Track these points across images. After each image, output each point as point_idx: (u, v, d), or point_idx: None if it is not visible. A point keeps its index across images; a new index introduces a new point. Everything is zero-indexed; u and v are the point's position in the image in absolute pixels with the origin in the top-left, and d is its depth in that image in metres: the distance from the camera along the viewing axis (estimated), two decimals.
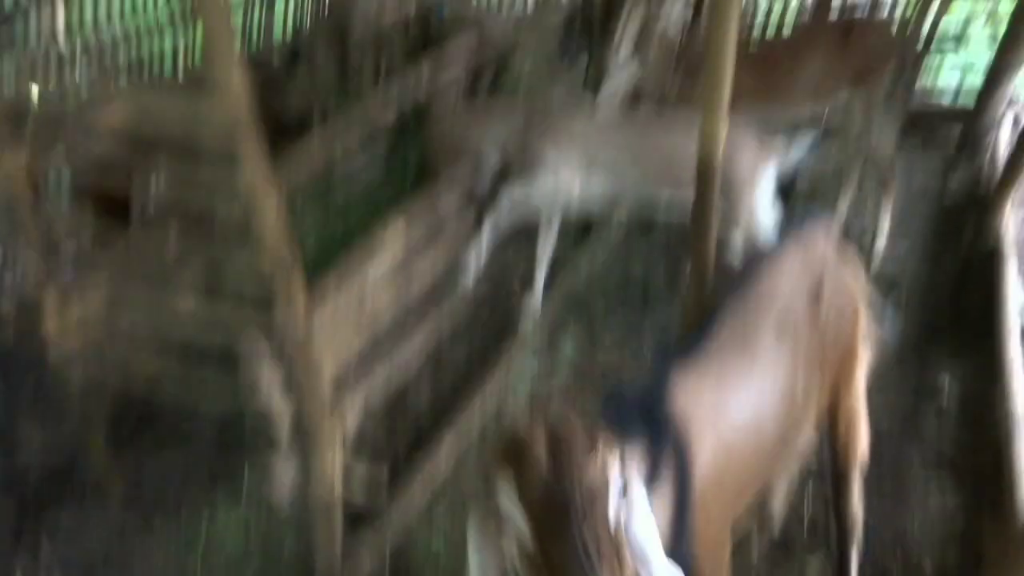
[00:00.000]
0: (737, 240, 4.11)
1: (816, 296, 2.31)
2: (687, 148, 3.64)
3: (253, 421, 2.80)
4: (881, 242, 4.74)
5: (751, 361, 2.16)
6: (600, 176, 3.83)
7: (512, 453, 1.44)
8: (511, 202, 3.80)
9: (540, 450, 1.41)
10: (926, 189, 5.45)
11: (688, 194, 3.64)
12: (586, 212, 4.38)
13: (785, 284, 2.32)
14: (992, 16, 6.42)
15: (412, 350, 3.45)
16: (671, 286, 4.68)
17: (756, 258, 2.41)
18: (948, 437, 3.56)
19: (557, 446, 1.42)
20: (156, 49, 6.50)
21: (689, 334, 2.43)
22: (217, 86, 2.04)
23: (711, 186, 2.58)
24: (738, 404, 2.09)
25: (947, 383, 3.72)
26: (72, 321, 2.96)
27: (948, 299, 4.43)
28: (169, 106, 2.27)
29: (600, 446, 1.44)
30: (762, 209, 3.80)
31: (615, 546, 1.37)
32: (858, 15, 4.69)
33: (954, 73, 6.72)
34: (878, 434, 3.45)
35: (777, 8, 5.91)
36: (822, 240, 2.50)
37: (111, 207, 3.97)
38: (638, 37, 4.28)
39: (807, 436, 2.39)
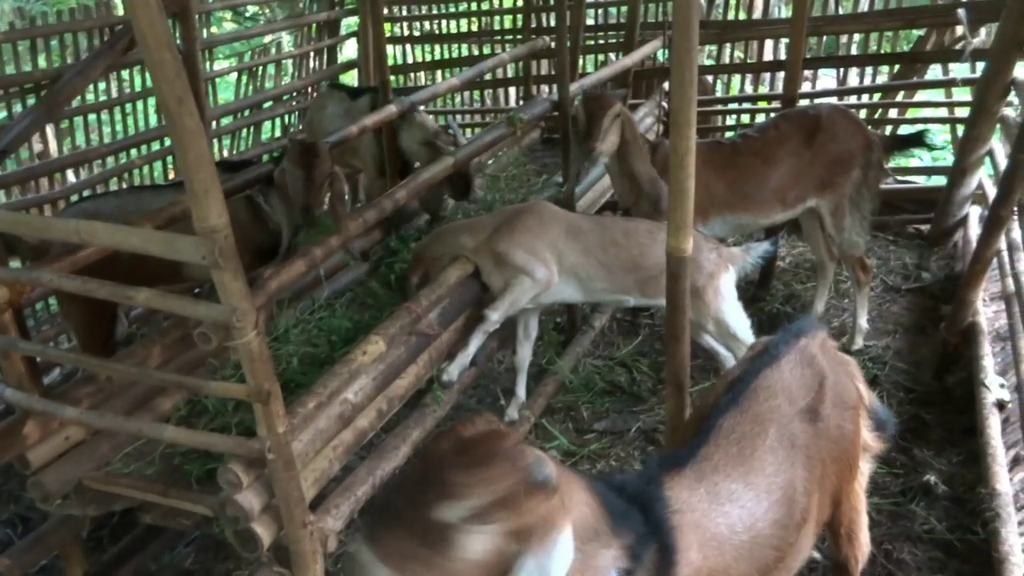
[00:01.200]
0: (714, 344, 4.20)
1: (815, 406, 2.35)
2: (652, 251, 3.81)
3: (233, 545, 2.77)
4: (860, 338, 4.80)
5: (748, 469, 2.17)
6: (569, 278, 3.95)
7: None
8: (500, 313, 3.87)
9: None
10: (902, 280, 5.57)
11: (653, 296, 3.78)
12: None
13: (783, 393, 2.35)
14: (951, 121, 6.70)
15: (394, 465, 3.44)
16: (656, 383, 4.71)
17: (753, 366, 2.44)
18: (939, 521, 3.55)
19: None
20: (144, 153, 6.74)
21: (682, 441, 2.45)
22: (196, 198, 2.10)
23: (681, 287, 2.64)
24: (733, 511, 2.10)
25: (935, 483, 3.72)
26: (53, 450, 2.96)
27: (930, 384, 4.47)
28: (147, 234, 2.33)
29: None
30: (728, 313, 3.91)
31: None
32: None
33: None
34: (872, 528, 3.49)
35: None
36: (819, 348, 2.53)
37: (95, 328, 4.05)
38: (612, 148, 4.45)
39: (809, 540, 2.39)
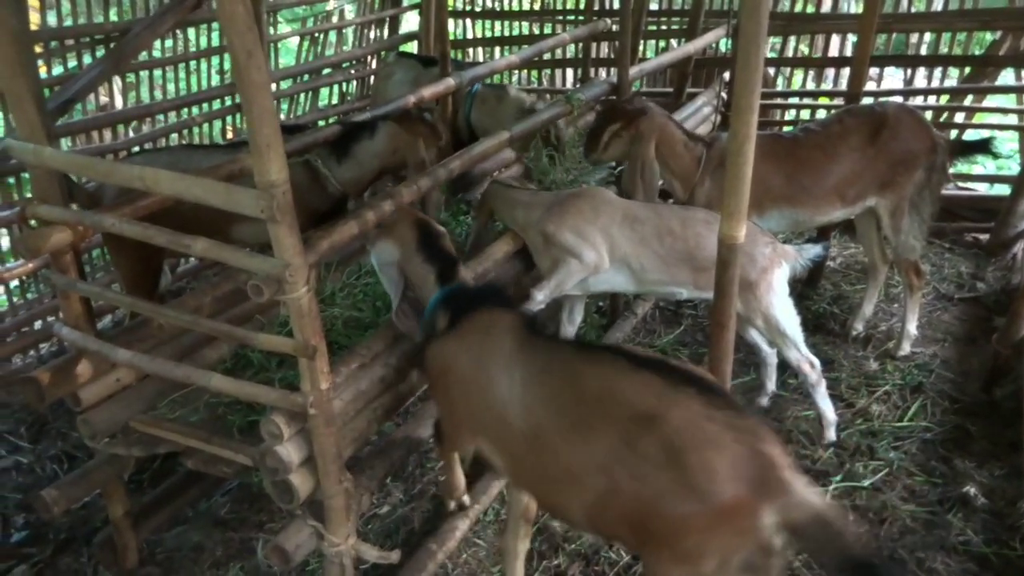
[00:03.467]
0: (758, 340, 4.16)
1: None
2: (709, 242, 3.77)
3: (269, 497, 2.84)
4: (907, 345, 4.72)
5: None
6: (621, 268, 3.91)
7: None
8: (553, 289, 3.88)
9: None
10: (955, 289, 5.46)
11: (706, 289, 3.74)
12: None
13: None
14: (1021, 129, 6.50)
15: (430, 433, 3.49)
16: None
17: None
18: (975, 533, 3.49)
19: None
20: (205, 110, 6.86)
21: None
22: (258, 152, 2.15)
23: (731, 275, 2.62)
24: None
25: (975, 494, 3.65)
26: (103, 391, 3.05)
27: (977, 395, 4.38)
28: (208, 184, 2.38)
29: None
30: (779, 309, 3.84)
31: None
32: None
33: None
34: (904, 535, 3.45)
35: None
36: None
37: (142, 279, 4.16)
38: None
39: None
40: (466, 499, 3.54)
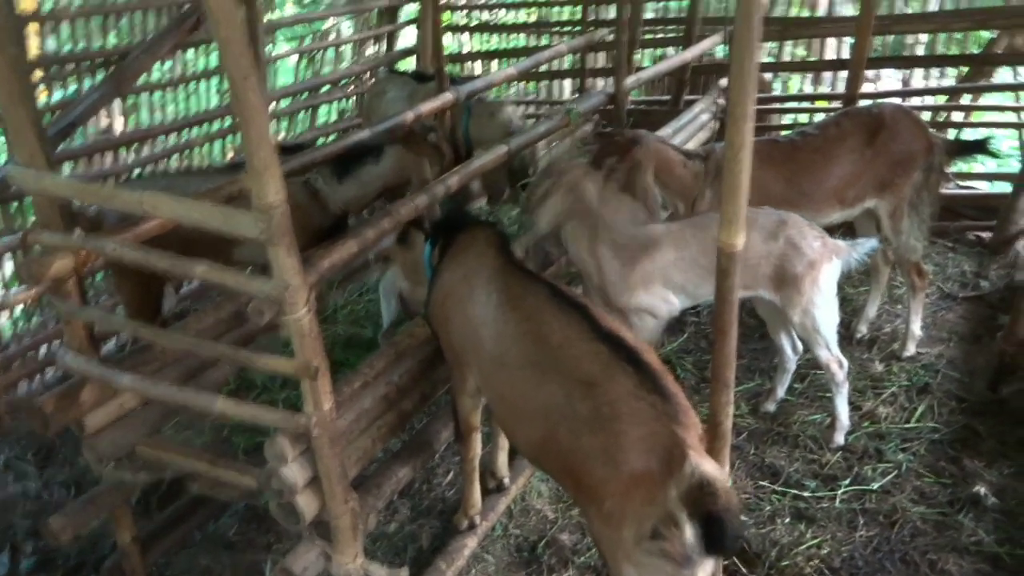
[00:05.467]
0: (783, 341, 4.12)
1: None
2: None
3: (276, 519, 2.83)
4: (912, 345, 4.70)
5: None
6: (677, 294, 3.86)
7: None
8: None
9: None
10: (959, 288, 5.44)
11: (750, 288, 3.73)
12: None
13: None
14: (1019, 127, 6.49)
15: (435, 449, 3.48)
16: (699, 381, 4.67)
17: None
18: (987, 533, 3.47)
19: None
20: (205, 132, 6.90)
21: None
22: (256, 174, 2.16)
23: (731, 282, 2.61)
24: None
25: (985, 494, 3.63)
26: (108, 416, 3.05)
27: (984, 394, 4.35)
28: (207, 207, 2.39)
29: None
30: (820, 306, 3.80)
31: None
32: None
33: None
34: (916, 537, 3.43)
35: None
36: None
37: (145, 302, 4.18)
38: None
39: None
40: (477, 518, 3.55)
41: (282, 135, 7.89)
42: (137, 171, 6.25)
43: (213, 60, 7.09)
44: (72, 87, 6.25)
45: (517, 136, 4.65)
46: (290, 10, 11.12)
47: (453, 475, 4.11)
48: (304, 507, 2.73)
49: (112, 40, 6.40)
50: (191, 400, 2.81)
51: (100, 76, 5.97)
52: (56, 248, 2.84)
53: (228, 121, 6.98)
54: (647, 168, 4.36)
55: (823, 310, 3.82)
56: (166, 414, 3.20)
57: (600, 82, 8.12)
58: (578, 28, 8.32)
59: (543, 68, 7.74)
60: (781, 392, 4.38)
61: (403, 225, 3.42)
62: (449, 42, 9.00)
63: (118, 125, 6.63)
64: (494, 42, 9.22)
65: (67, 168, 5.97)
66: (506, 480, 3.70)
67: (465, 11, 9.30)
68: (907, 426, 4.16)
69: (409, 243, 3.49)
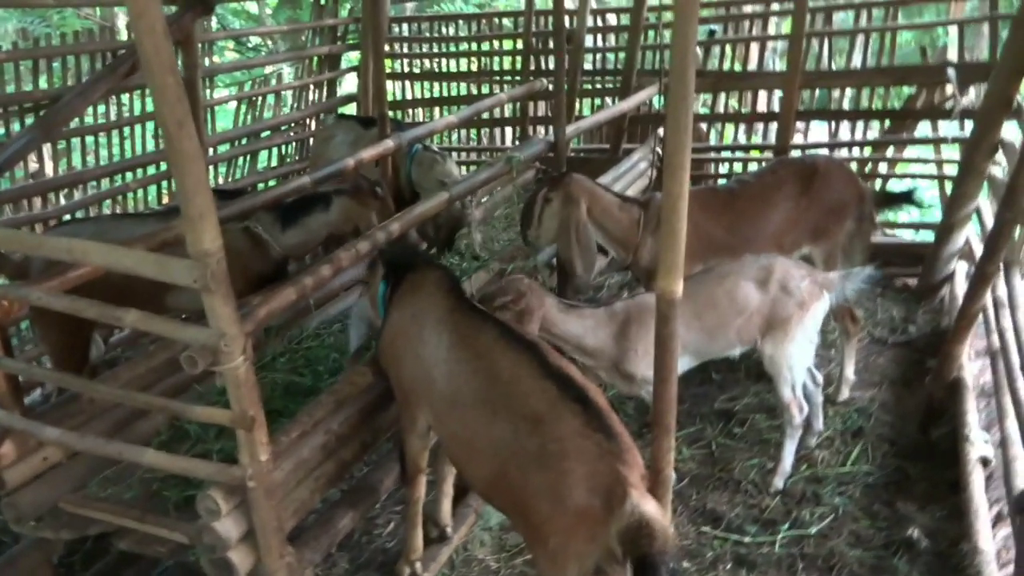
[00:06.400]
0: (765, 362, 4.08)
1: None
2: (739, 295, 3.79)
3: (208, 574, 2.72)
4: (846, 389, 4.81)
5: None
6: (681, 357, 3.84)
7: None
8: None
9: None
10: (889, 333, 5.60)
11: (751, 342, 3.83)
12: None
13: None
14: (940, 178, 6.79)
15: (375, 499, 3.41)
16: (642, 427, 4.69)
17: None
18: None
19: None
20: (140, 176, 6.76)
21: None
22: (191, 221, 2.12)
23: (671, 330, 2.64)
24: None
25: (918, 537, 3.70)
26: (30, 471, 2.91)
27: (915, 437, 4.46)
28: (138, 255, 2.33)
29: None
30: (799, 346, 3.85)
31: None
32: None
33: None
34: None
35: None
36: None
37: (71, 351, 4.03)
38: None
39: None
40: (419, 565, 3.47)
41: (221, 180, 7.79)
42: (67, 216, 6.08)
43: (149, 104, 6.99)
44: None
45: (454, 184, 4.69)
46: (231, 56, 11.07)
47: (394, 526, 4.02)
48: (238, 562, 2.64)
49: (43, 83, 6.27)
50: (120, 452, 2.70)
51: (30, 119, 5.83)
52: None
53: (164, 166, 6.87)
54: (580, 202, 4.40)
55: (800, 348, 3.86)
56: (92, 468, 3.06)
57: (541, 130, 8.25)
58: (519, 78, 8.46)
59: (485, 116, 7.84)
60: (819, 425, 4.36)
61: (377, 253, 3.48)
62: (391, 89, 9.05)
63: (48, 169, 6.46)
64: (436, 90, 9.29)
65: None
66: (449, 529, 3.64)
67: (407, 59, 9.39)
68: (843, 470, 4.23)
69: (372, 273, 3.49)
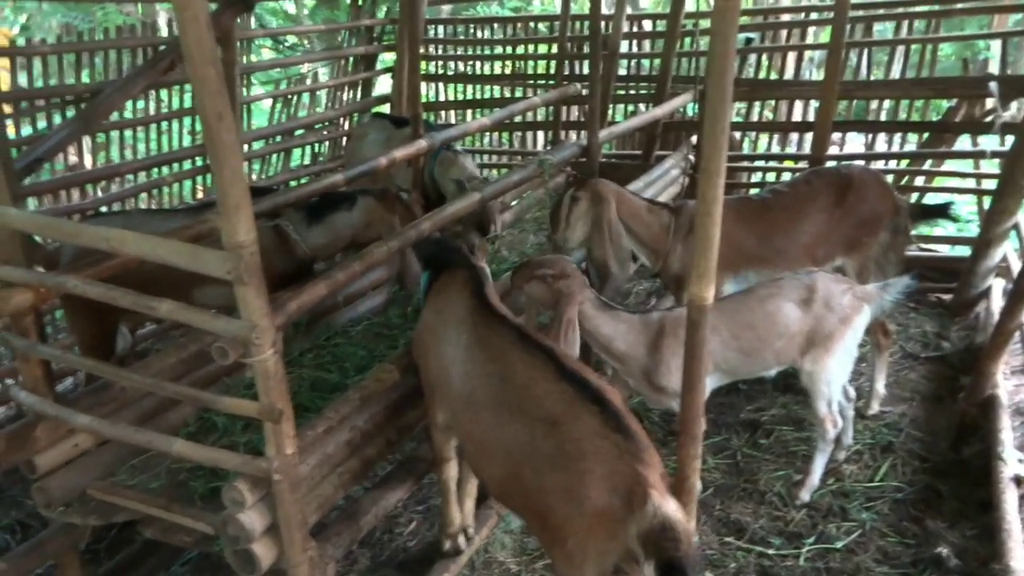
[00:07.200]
0: (803, 377, 3.98)
1: None
2: (780, 317, 3.72)
3: (230, 567, 2.74)
4: (876, 404, 4.74)
5: None
6: (713, 375, 3.78)
7: None
8: None
9: None
10: (921, 348, 5.52)
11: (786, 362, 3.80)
12: None
13: None
14: (978, 192, 6.67)
15: (399, 497, 3.41)
16: (667, 434, 4.65)
17: None
18: None
19: None
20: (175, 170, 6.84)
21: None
22: (227, 213, 2.13)
23: (701, 336, 2.62)
24: None
25: (947, 555, 3.63)
26: (61, 457, 2.96)
27: (946, 454, 4.38)
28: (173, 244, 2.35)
29: None
30: (839, 361, 3.80)
31: None
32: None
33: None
34: None
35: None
36: None
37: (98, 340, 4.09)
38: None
39: None
40: (462, 541, 3.55)
41: (255, 176, 7.87)
42: (104, 208, 6.17)
43: (187, 100, 7.09)
44: (41, 123, 6.21)
45: (471, 185, 4.69)
46: (267, 54, 11.18)
47: (415, 525, 4.03)
48: (261, 555, 2.65)
49: (85, 77, 6.38)
50: (149, 441, 2.73)
51: (71, 112, 5.93)
52: (16, 283, 2.78)
53: (200, 161, 6.96)
54: (610, 201, 4.38)
55: (840, 364, 3.82)
56: (121, 457, 3.10)
57: (573, 135, 8.24)
58: (552, 82, 8.45)
59: (517, 119, 7.84)
60: (848, 440, 4.32)
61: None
62: (425, 91, 9.09)
63: (86, 162, 6.57)
64: (469, 92, 9.32)
65: (31, 204, 5.89)
66: (471, 530, 3.64)
67: (442, 61, 9.43)
68: (871, 485, 4.17)
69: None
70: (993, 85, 5.85)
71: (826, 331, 3.71)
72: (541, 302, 3.67)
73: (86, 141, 6.41)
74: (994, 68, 7.13)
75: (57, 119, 5.99)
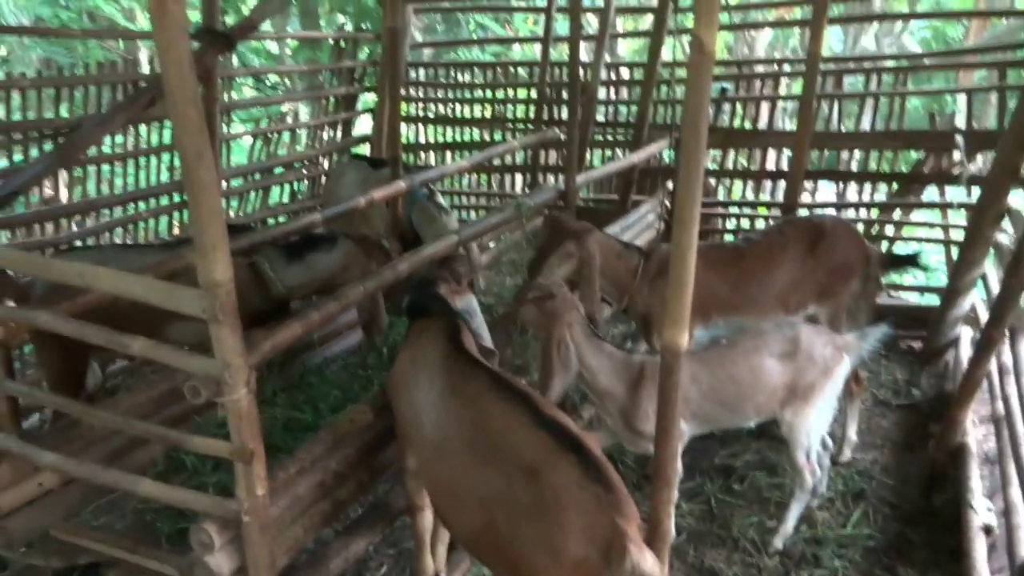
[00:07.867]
0: (783, 428, 3.99)
1: None
2: (764, 371, 3.73)
3: None
4: (848, 450, 4.77)
5: None
6: (690, 422, 3.81)
7: None
8: None
9: None
10: (892, 395, 5.57)
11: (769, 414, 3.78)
12: None
13: None
14: (946, 243, 6.82)
15: (369, 541, 3.37)
16: (640, 477, 4.64)
17: None
18: None
19: None
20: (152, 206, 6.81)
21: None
22: (204, 251, 2.13)
23: (674, 380, 2.64)
24: None
25: None
26: (23, 496, 2.90)
27: (917, 502, 4.41)
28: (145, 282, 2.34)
29: None
30: (819, 411, 3.83)
31: None
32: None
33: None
34: None
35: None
36: None
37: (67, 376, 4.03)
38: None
39: None
40: None
41: (232, 213, 7.86)
42: (78, 243, 6.12)
43: (166, 136, 7.09)
44: (18, 155, 6.17)
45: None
46: (248, 92, 11.24)
47: (386, 569, 3.97)
48: None
49: (64, 112, 6.37)
50: (116, 481, 2.69)
51: (48, 146, 5.91)
52: None
53: (177, 197, 6.94)
54: (596, 257, 4.42)
55: (820, 414, 3.84)
56: (86, 497, 3.05)
57: (551, 178, 8.33)
58: (531, 126, 8.56)
59: (496, 162, 7.92)
60: (822, 489, 4.29)
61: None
62: (405, 131, 9.16)
63: (63, 196, 6.53)
64: (449, 135, 9.41)
65: (4, 237, 5.84)
66: (442, 575, 3.59)
67: (422, 103, 9.53)
68: (843, 532, 4.17)
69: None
70: (959, 139, 6.02)
71: (807, 383, 3.73)
72: (536, 325, 3.69)
73: (63, 175, 6.37)
74: (960, 122, 7.33)
75: (34, 152, 5.96)
